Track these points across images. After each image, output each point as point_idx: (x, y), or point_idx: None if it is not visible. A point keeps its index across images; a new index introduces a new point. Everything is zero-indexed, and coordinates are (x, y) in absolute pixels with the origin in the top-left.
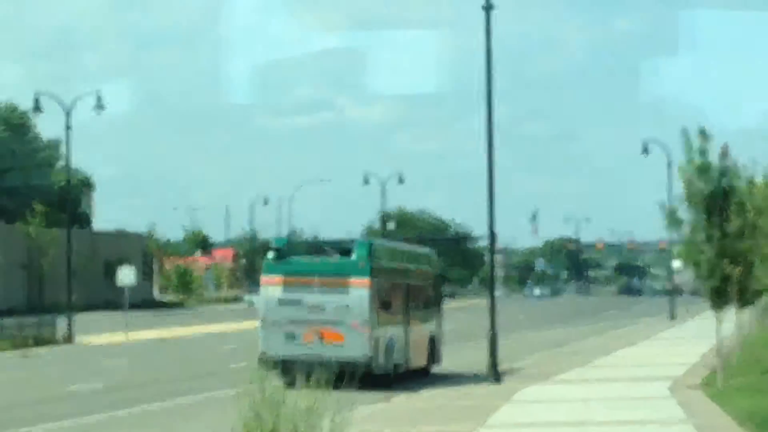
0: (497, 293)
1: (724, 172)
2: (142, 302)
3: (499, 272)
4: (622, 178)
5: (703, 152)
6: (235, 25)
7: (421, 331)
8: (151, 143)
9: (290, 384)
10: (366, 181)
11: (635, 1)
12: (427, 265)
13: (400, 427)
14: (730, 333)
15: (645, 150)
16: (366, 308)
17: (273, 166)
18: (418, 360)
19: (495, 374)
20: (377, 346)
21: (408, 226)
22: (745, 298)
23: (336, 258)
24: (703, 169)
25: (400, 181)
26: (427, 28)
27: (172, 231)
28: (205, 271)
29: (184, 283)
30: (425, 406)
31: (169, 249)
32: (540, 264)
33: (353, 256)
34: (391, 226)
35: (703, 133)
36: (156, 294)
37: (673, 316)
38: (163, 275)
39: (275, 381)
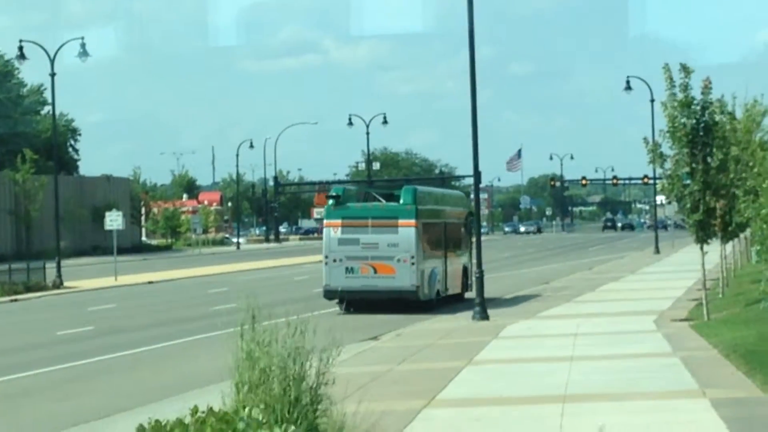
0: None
1: (706, 107)
2: (130, 247)
3: (484, 210)
4: (606, 115)
5: (685, 87)
6: None
7: (457, 263)
8: (137, 88)
9: (348, 311)
10: (350, 122)
11: None
12: (460, 206)
13: (389, 365)
14: (714, 266)
15: (628, 86)
16: (413, 245)
17: (259, 109)
18: (455, 288)
19: (482, 311)
20: (422, 277)
21: (393, 166)
22: (728, 231)
23: (385, 203)
24: (686, 104)
25: (385, 121)
26: None
27: (159, 175)
28: (192, 215)
29: (172, 226)
30: (413, 344)
31: (156, 193)
32: (525, 201)
33: (401, 201)
34: (376, 166)
35: (685, 69)
36: (144, 238)
37: (657, 251)
38: (150, 219)
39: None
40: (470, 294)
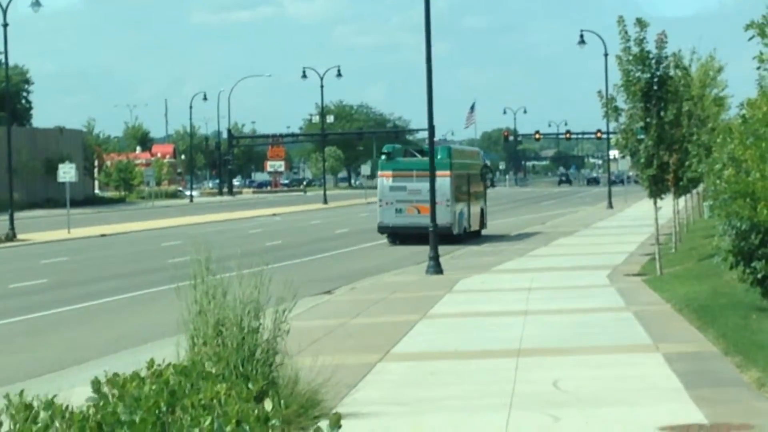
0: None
1: (661, 61)
2: (83, 199)
3: None
4: (560, 70)
5: (640, 42)
6: None
7: (477, 206)
8: (91, 40)
9: (399, 242)
10: (304, 75)
11: None
12: (478, 160)
13: (343, 319)
14: (667, 221)
15: (582, 40)
16: (448, 191)
17: (213, 62)
18: (475, 225)
19: (436, 265)
20: (454, 216)
21: (347, 119)
22: (681, 186)
23: (426, 158)
24: (641, 59)
25: (339, 74)
26: None
27: (112, 127)
28: (145, 167)
29: (125, 179)
30: (367, 297)
31: (109, 145)
32: None
33: (438, 157)
34: (330, 119)
35: (641, 22)
36: (97, 191)
37: (611, 205)
38: (103, 172)
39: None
40: (486, 231)
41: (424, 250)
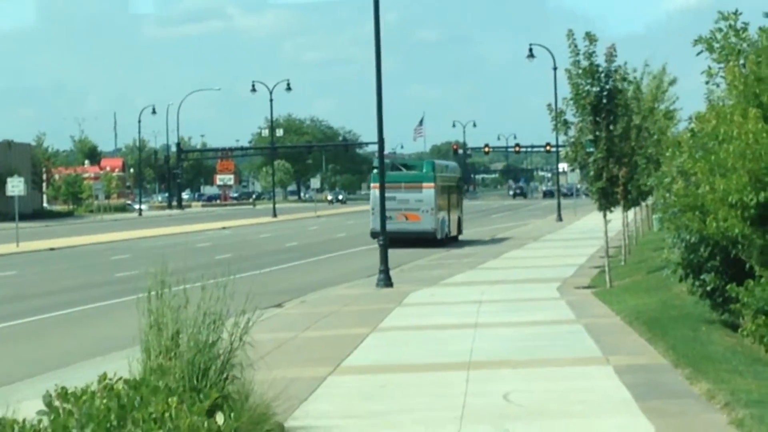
0: None
1: (610, 75)
2: (32, 213)
3: None
4: (509, 83)
5: (590, 55)
6: None
7: (455, 214)
8: (40, 53)
9: (390, 246)
10: (254, 89)
11: None
12: (456, 173)
13: (294, 332)
14: (616, 234)
15: (531, 54)
16: (432, 200)
17: (162, 75)
18: (454, 231)
19: (386, 278)
20: (438, 222)
21: (296, 133)
22: (631, 199)
23: (413, 171)
24: (590, 72)
25: (288, 88)
26: None
27: (61, 141)
28: (94, 181)
29: (73, 193)
30: (317, 311)
31: (57, 159)
32: None
33: (423, 170)
34: (279, 132)
35: (590, 37)
36: (45, 204)
37: (560, 218)
38: (52, 185)
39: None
40: (462, 237)
41: (375, 264)
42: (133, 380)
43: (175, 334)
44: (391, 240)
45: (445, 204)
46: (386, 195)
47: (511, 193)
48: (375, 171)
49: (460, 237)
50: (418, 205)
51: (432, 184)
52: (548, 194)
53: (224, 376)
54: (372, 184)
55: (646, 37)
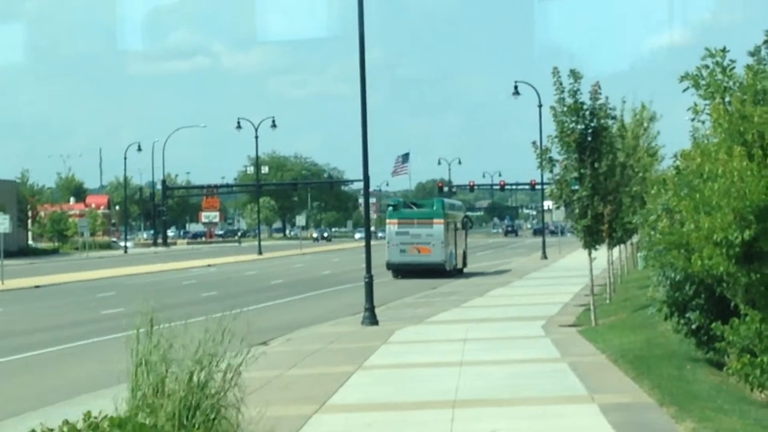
0: (381, 235)
1: (595, 112)
2: (17, 250)
3: (373, 215)
4: (494, 120)
5: (574, 93)
6: None
7: (460, 247)
8: (26, 89)
9: (402, 277)
10: (239, 126)
11: None
12: (461, 210)
13: (279, 370)
14: (601, 272)
15: (516, 91)
16: (442, 235)
17: (148, 112)
18: (459, 263)
19: (372, 316)
20: (446, 255)
21: (281, 170)
22: (616, 237)
23: (424, 209)
24: (575, 110)
25: (274, 125)
26: None
27: (46, 178)
28: (79, 218)
29: (59, 230)
30: (303, 348)
31: (43, 196)
32: None
33: (434, 208)
34: (265, 170)
35: (575, 74)
36: (30, 242)
37: (545, 256)
38: (37, 222)
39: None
40: (467, 269)
41: (361, 302)
42: (118, 418)
43: (164, 372)
44: (404, 270)
45: (453, 239)
46: (400, 230)
47: (499, 230)
48: (390, 208)
49: (465, 269)
50: (429, 239)
51: (442, 221)
52: (538, 232)
53: (213, 416)
54: (388, 220)
55: (631, 74)
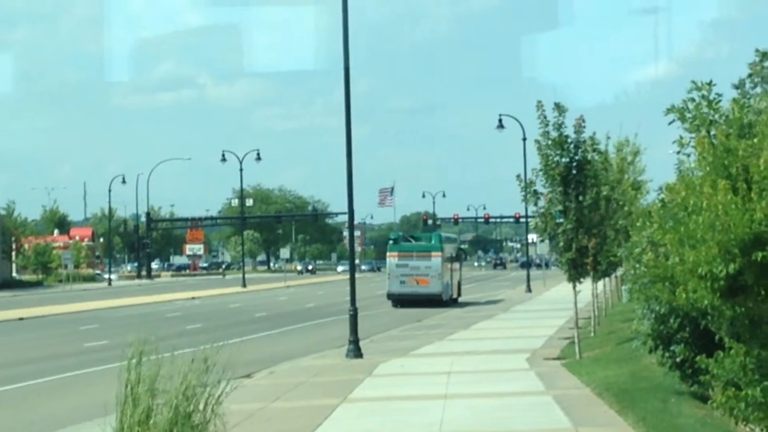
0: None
1: (579, 146)
2: (2, 282)
3: (357, 247)
4: (479, 154)
5: (559, 126)
6: (97, 2)
7: (455, 278)
8: (10, 121)
9: (401, 306)
10: (224, 158)
11: None
12: (457, 244)
13: (263, 402)
14: (586, 305)
15: (501, 125)
16: (439, 267)
17: (133, 144)
18: (455, 294)
19: (356, 349)
20: (443, 286)
21: (266, 203)
22: (600, 270)
23: (422, 242)
24: (560, 143)
25: (258, 158)
26: (289, 5)
27: (30, 210)
28: (63, 250)
29: (43, 262)
30: (287, 381)
31: (27, 228)
32: None
33: (432, 242)
34: (249, 202)
35: (559, 107)
36: (14, 274)
37: (529, 289)
38: (21, 255)
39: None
40: (461, 299)
41: (345, 335)
42: None
43: (150, 403)
44: (403, 301)
45: (449, 270)
46: (400, 262)
47: (482, 263)
48: (391, 242)
49: (459, 300)
50: (428, 271)
51: (439, 254)
52: (525, 264)
53: None
54: (389, 253)
55: (615, 107)
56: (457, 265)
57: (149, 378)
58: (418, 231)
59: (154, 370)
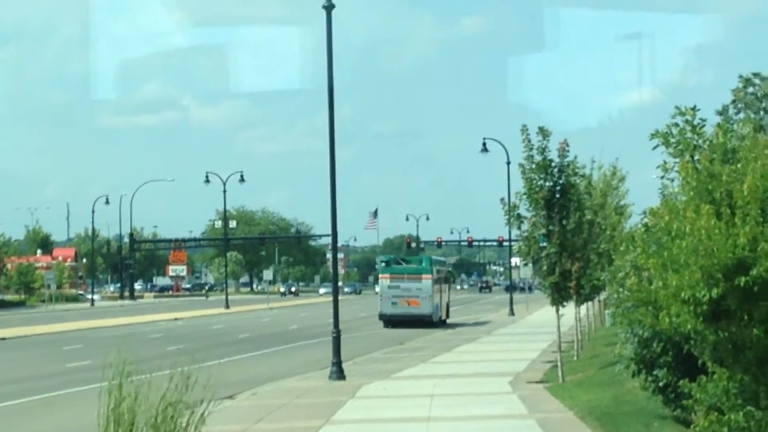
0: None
1: (563, 170)
2: None
3: (340, 270)
4: (462, 177)
5: (543, 150)
6: (82, 23)
7: (444, 300)
8: None
9: (393, 327)
10: (207, 180)
11: (485, 1)
12: (446, 267)
13: (245, 424)
14: (569, 329)
15: (485, 148)
16: (430, 289)
17: (116, 165)
18: (444, 315)
19: (339, 371)
20: (433, 307)
21: (249, 224)
22: (584, 294)
23: (413, 265)
24: (543, 167)
25: (242, 179)
26: (274, 26)
27: (13, 230)
28: (46, 271)
29: (26, 282)
30: (269, 402)
31: (9, 248)
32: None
33: (422, 264)
34: (232, 224)
35: (543, 131)
36: None
37: (512, 312)
38: (4, 275)
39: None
40: (450, 320)
41: (328, 357)
42: None
43: (131, 425)
44: (394, 321)
45: (439, 292)
46: (392, 284)
47: (465, 287)
48: (383, 264)
49: (448, 321)
50: (418, 293)
51: (430, 276)
52: (509, 288)
53: None
54: (381, 275)
55: (599, 131)
56: (446, 287)
57: (130, 398)
58: (401, 254)
59: (135, 391)
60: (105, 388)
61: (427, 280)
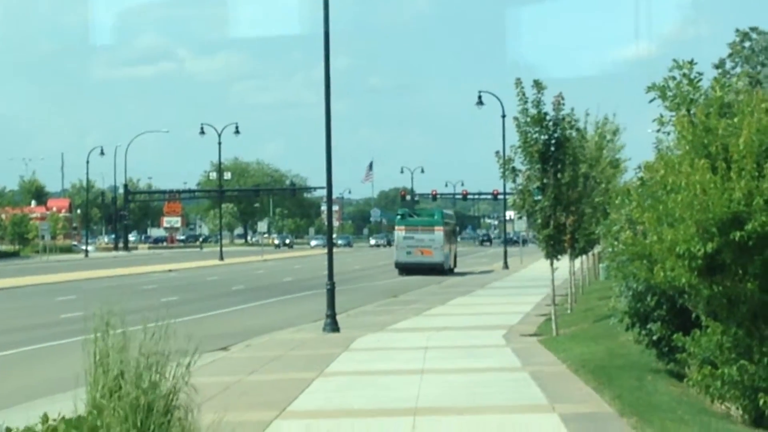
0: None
1: (558, 123)
2: None
3: (335, 222)
4: (458, 130)
5: (537, 103)
6: None
7: (453, 249)
8: None
9: (407, 274)
10: (202, 132)
11: None
12: (454, 220)
13: (239, 375)
14: (563, 282)
15: (480, 101)
16: (441, 240)
17: (112, 116)
18: (453, 264)
19: (333, 323)
20: (444, 256)
21: (243, 176)
22: (578, 247)
23: (425, 217)
24: (538, 120)
25: (237, 131)
26: None
27: (7, 180)
28: (40, 221)
29: (20, 233)
30: (263, 354)
31: (3, 199)
32: (375, 214)
33: (435, 217)
34: (227, 176)
35: (538, 84)
36: None
37: (506, 266)
38: None
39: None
40: (457, 269)
41: (322, 309)
42: (74, 420)
43: (118, 374)
44: (408, 269)
45: (448, 243)
46: (406, 235)
47: (461, 239)
48: (399, 217)
49: (455, 269)
50: (431, 243)
51: (441, 228)
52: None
53: (168, 418)
54: (396, 227)
55: (595, 84)
56: (454, 239)
57: (116, 348)
58: (397, 206)
59: (123, 341)
60: (90, 338)
61: (439, 232)
